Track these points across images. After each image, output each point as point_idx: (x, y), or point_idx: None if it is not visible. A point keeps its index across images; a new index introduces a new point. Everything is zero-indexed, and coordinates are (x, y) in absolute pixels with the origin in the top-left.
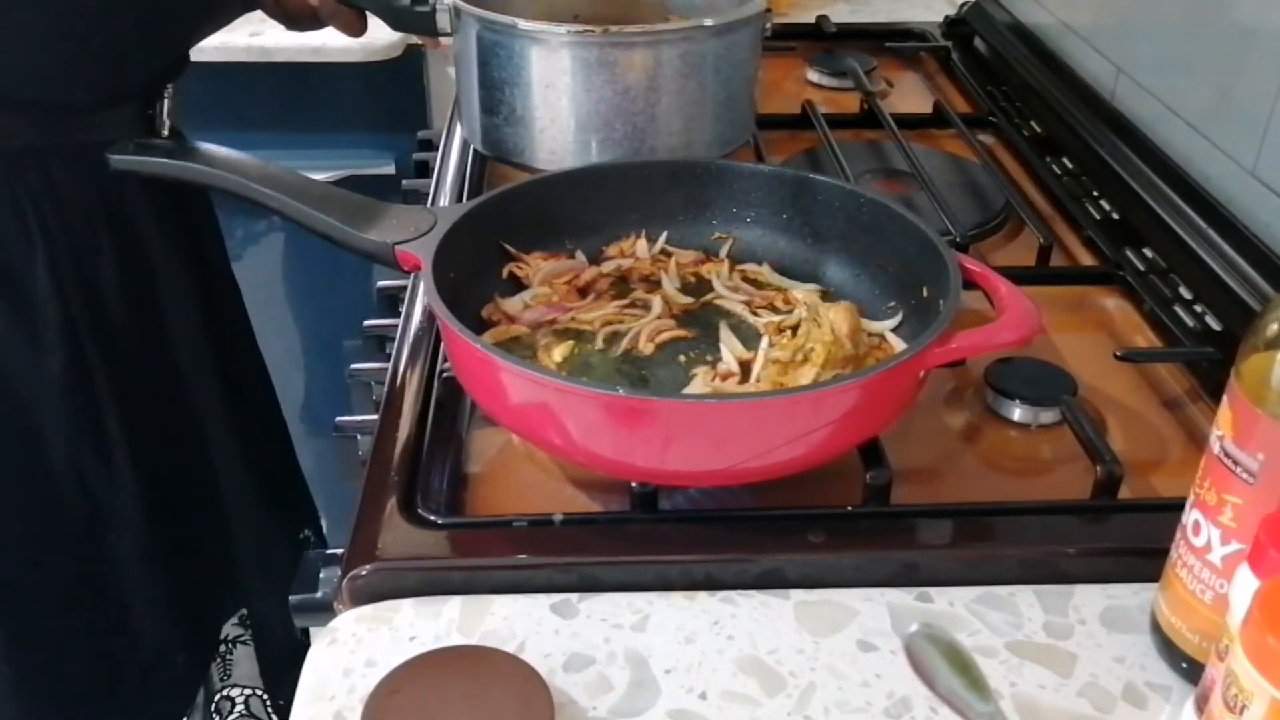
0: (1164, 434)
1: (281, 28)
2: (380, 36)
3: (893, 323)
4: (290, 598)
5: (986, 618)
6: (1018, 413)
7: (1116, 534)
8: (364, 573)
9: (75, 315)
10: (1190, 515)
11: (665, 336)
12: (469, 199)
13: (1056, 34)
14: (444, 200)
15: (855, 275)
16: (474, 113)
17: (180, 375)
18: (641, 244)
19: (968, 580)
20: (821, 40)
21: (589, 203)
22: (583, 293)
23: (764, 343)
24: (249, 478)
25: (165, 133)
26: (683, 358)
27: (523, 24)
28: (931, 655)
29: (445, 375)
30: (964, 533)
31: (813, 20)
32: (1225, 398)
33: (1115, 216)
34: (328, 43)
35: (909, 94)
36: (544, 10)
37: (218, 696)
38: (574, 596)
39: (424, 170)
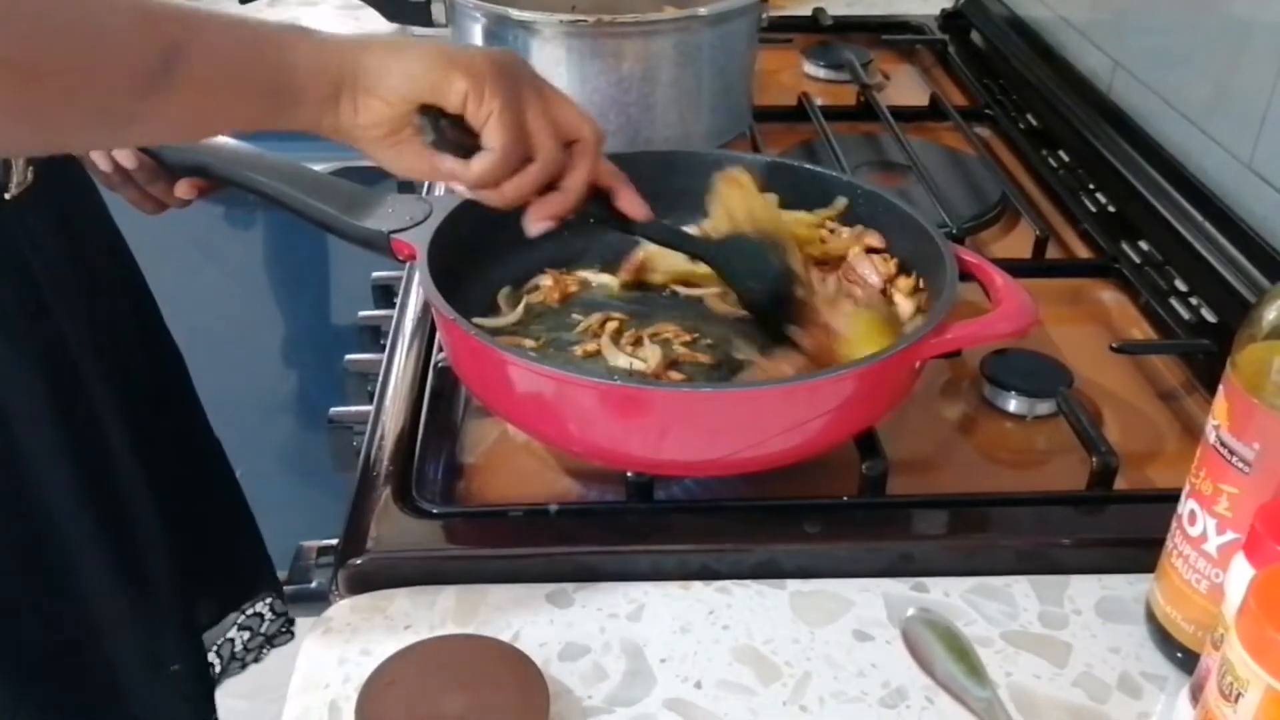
0: (1159, 425)
1: (282, 12)
2: (376, 28)
3: None
4: (285, 588)
5: (982, 608)
6: (1014, 404)
7: (1112, 525)
8: (359, 562)
9: None
10: (1186, 505)
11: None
12: None
13: (1053, 27)
14: (439, 192)
15: None
16: None
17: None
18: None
19: (963, 570)
20: (818, 33)
21: None
22: None
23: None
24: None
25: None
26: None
27: (515, 14)
28: (929, 641)
29: (440, 365)
30: (959, 523)
31: (809, 13)
32: (1221, 388)
33: (1111, 209)
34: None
35: (905, 87)
36: (542, 0)
37: None
38: (569, 586)
39: None
